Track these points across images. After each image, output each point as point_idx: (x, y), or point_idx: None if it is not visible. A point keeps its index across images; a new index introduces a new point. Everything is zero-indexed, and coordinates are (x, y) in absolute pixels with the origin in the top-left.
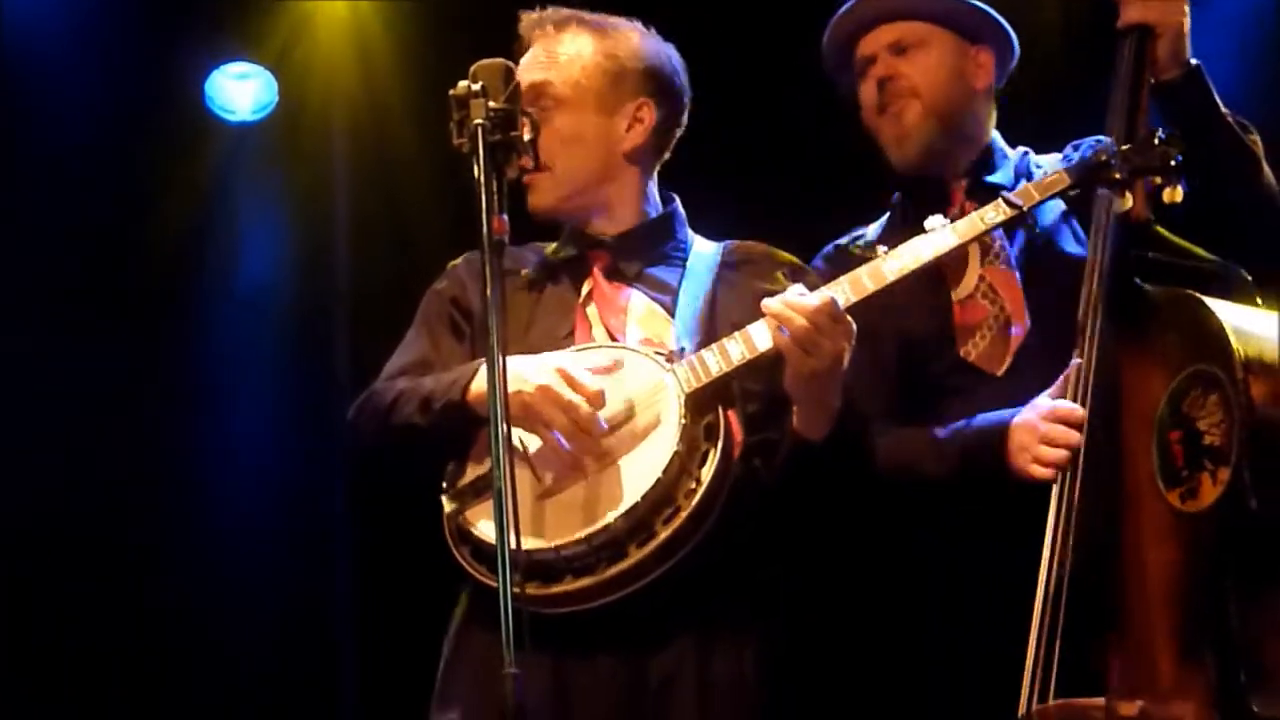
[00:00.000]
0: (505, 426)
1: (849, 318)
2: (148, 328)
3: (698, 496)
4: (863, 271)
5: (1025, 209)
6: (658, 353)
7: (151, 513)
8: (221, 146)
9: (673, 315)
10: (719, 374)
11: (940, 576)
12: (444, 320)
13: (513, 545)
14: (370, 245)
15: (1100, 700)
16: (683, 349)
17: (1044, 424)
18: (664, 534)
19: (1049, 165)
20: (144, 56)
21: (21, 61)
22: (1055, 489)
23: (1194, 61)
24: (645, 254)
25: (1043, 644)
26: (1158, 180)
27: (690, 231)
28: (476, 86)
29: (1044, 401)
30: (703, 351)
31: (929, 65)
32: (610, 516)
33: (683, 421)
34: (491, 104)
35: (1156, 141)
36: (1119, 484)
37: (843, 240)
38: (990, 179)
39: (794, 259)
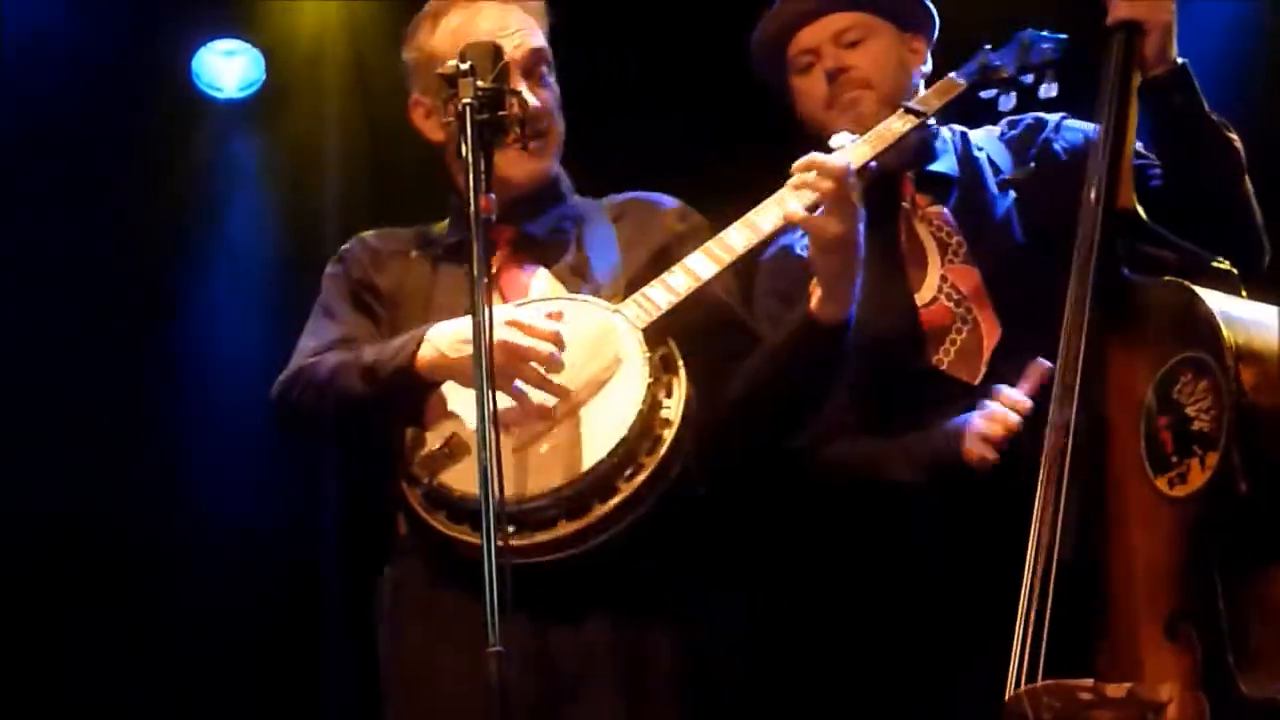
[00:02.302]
0: (491, 401)
1: (855, 181)
2: (133, 305)
3: (674, 425)
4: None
5: (929, 114)
6: (598, 298)
7: (140, 498)
8: (208, 124)
9: (580, 275)
10: (669, 307)
11: (913, 576)
12: (350, 300)
13: (474, 494)
14: (359, 223)
15: (1088, 681)
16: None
17: (989, 408)
18: (651, 464)
19: (988, 144)
20: (130, 33)
21: (6, 41)
22: (1041, 474)
23: (1181, 60)
24: (545, 219)
25: (1031, 626)
26: (1029, 79)
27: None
28: (465, 66)
29: (1001, 391)
30: (645, 289)
31: (878, 55)
32: (601, 452)
33: (646, 355)
34: (480, 83)
35: (1028, 41)
36: (1105, 469)
37: (787, 241)
38: (934, 168)
39: (671, 200)
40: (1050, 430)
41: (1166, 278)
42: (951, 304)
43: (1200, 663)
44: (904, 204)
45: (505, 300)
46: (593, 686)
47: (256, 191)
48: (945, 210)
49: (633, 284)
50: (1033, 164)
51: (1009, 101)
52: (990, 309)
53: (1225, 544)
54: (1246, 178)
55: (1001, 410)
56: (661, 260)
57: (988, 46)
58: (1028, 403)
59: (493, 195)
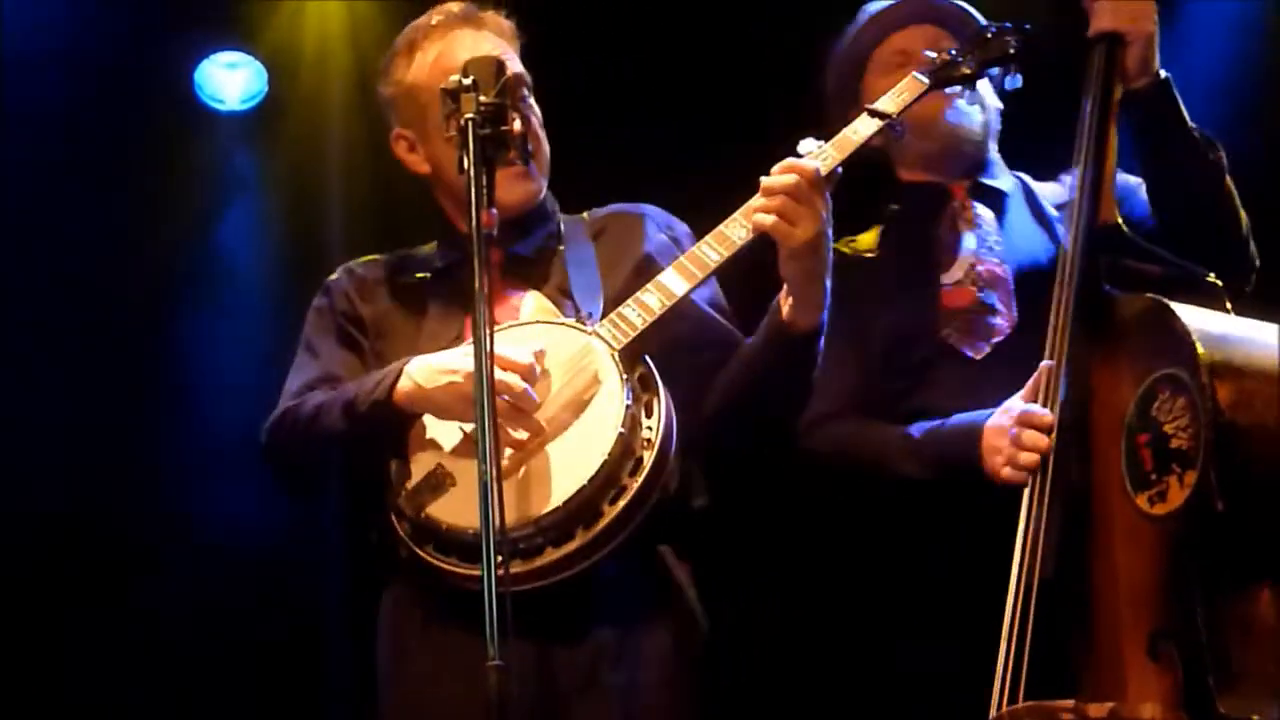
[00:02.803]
0: (491, 421)
1: (822, 186)
2: (135, 317)
3: (655, 444)
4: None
5: (893, 116)
6: (572, 320)
7: (140, 500)
8: (210, 136)
9: (566, 295)
10: (644, 326)
11: (909, 577)
12: (334, 334)
13: (476, 531)
14: (361, 235)
15: (1069, 702)
16: (590, 314)
17: (1015, 427)
18: (634, 486)
19: (1048, 193)
20: (133, 45)
21: (10, 51)
22: (1026, 492)
23: (1163, 73)
24: (531, 240)
25: (1013, 645)
26: (997, 71)
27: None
28: (468, 81)
29: (1015, 404)
30: (620, 309)
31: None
32: (583, 479)
33: (623, 377)
34: (482, 98)
35: (991, 35)
36: (1089, 487)
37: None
38: (988, 180)
39: (652, 210)
40: None
41: (1146, 293)
42: (975, 289)
43: (1181, 683)
44: (953, 204)
45: (493, 320)
46: (589, 703)
47: (258, 203)
48: (991, 214)
49: (613, 303)
50: None
51: (974, 97)
52: (1014, 303)
53: (1204, 563)
54: (1230, 190)
55: (1032, 436)
56: (643, 272)
57: (951, 47)
58: (1051, 417)
59: (494, 211)
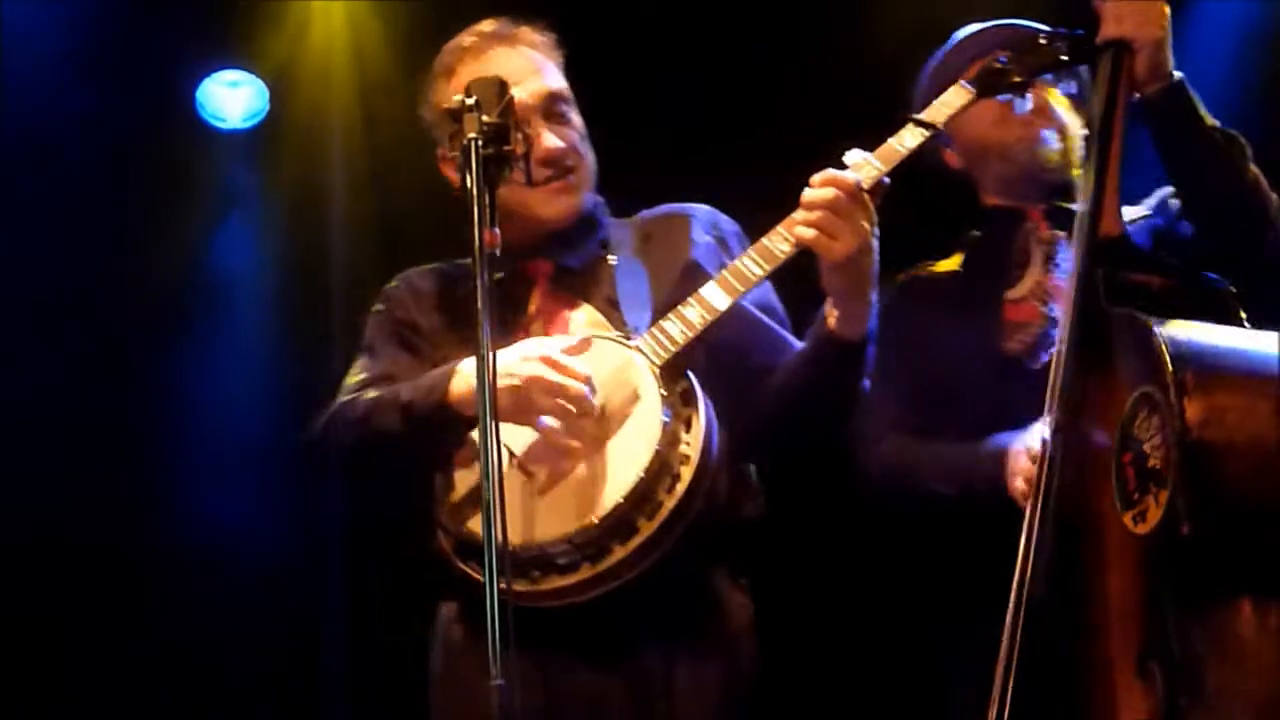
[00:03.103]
0: (495, 441)
1: (866, 199)
2: (139, 336)
3: (694, 460)
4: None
5: (939, 126)
6: (615, 334)
7: (144, 519)
8: (212, 154)
9: (615, 306)
10: (685, 341)
11: (937, 594)
12: (394, 339)
13: (501, 544)
14: (362, 253)
15: None
16: (635, 327)
17: (1026, 449)
18: (670, 503)
19: (1128, 212)
20: (135, 63)
21: (12, 70)
22: (1026, 513)
23: (1177, 75)
24: (579, 252)
25: (1008, 667)
26: (1048, 77)
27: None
28: (470, 100)
29: (1038, 425)
30: (661, 323)
31: (1057, 95)
32: (618, 495)
33: (663, 393)
34: (485, 118)
35: (1043, 40)
36: (1087, 507)
37: (903, 274)
38: (1066, 204)
39: (701, 209)
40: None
41: (1130, 310)
42: (1039, 304)
43: (1161, 703)
44: (1027, 225)
45: (545, 335)
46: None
47: (260, 221)
48: (1063, 234)
49: (660, 312)
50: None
51: (1024, 105)
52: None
53: (1175, 581)
54: (1255, 188)
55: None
56: (689, 279)
57: (1001, 53)
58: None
59: (497, 230)
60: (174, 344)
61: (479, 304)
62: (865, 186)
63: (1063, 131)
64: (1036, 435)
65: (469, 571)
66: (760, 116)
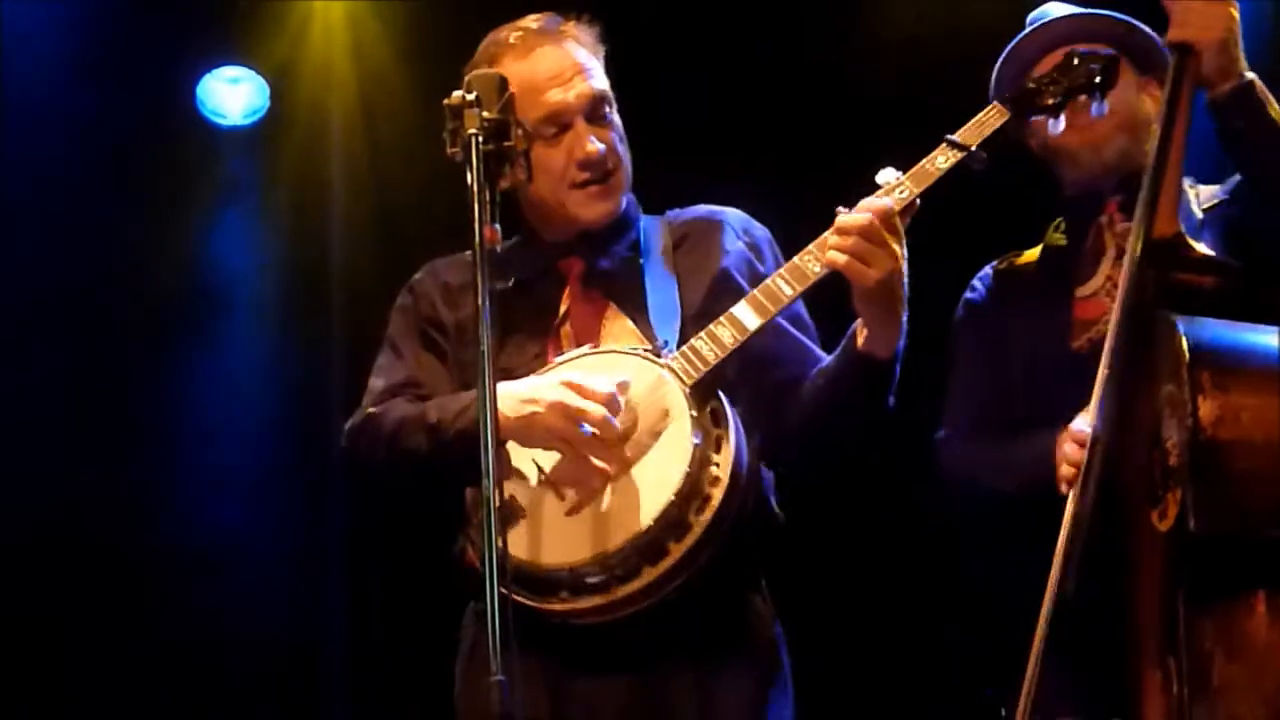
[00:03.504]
0: (493, 434)
1: (897, 224)
2: (138, 332)
3: (724, 482)
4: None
5: (972, 148)
6: (645, 350)
7: (144, 519)
8: (213, 151)
9: (644, 311)
10: (715, 361)
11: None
12: (418, 338)
13: (542, 562)
14: (362, 249)
15: None
16: (665, 342)
17: (1065, 442)
18: (699, 525)
19: (1206, 193)
20: (135, 59)
21: (12, 68)
22: (1068, 509)
23: (1247, 76)
24: (611, 253)
25: (1035, 663)
26: (1083, 98)
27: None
28: (471, 96)
29: (1078, 419)
30: (693, 341)
31: (1122, 86)
32: (648, 518)
33: (693, 413)
34: (485, 114)
35: (1076, 61)
36: (1127, 505)
37: (998, 263)
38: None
39: (733, 215)
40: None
41: (1166, 311)
42: (1109, 300)
43: (1174, 697)
44: (1101, 219)
45: (575, 338)
46: None
47: (260, 217)
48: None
49: (690, 322)
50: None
51: (1057, 125)
52: None
53: (1185, 580)
54: None
55: (1071, 449)
56: (720, 287)
57: (1034, 71)
58: (1088, 432)
59: (498, 226)
60: (174, 342)
61: (478, 300)
62: (897, 209)
63: (1130, 124)
64: (1081, 422)
65: None
66: (767, 113)
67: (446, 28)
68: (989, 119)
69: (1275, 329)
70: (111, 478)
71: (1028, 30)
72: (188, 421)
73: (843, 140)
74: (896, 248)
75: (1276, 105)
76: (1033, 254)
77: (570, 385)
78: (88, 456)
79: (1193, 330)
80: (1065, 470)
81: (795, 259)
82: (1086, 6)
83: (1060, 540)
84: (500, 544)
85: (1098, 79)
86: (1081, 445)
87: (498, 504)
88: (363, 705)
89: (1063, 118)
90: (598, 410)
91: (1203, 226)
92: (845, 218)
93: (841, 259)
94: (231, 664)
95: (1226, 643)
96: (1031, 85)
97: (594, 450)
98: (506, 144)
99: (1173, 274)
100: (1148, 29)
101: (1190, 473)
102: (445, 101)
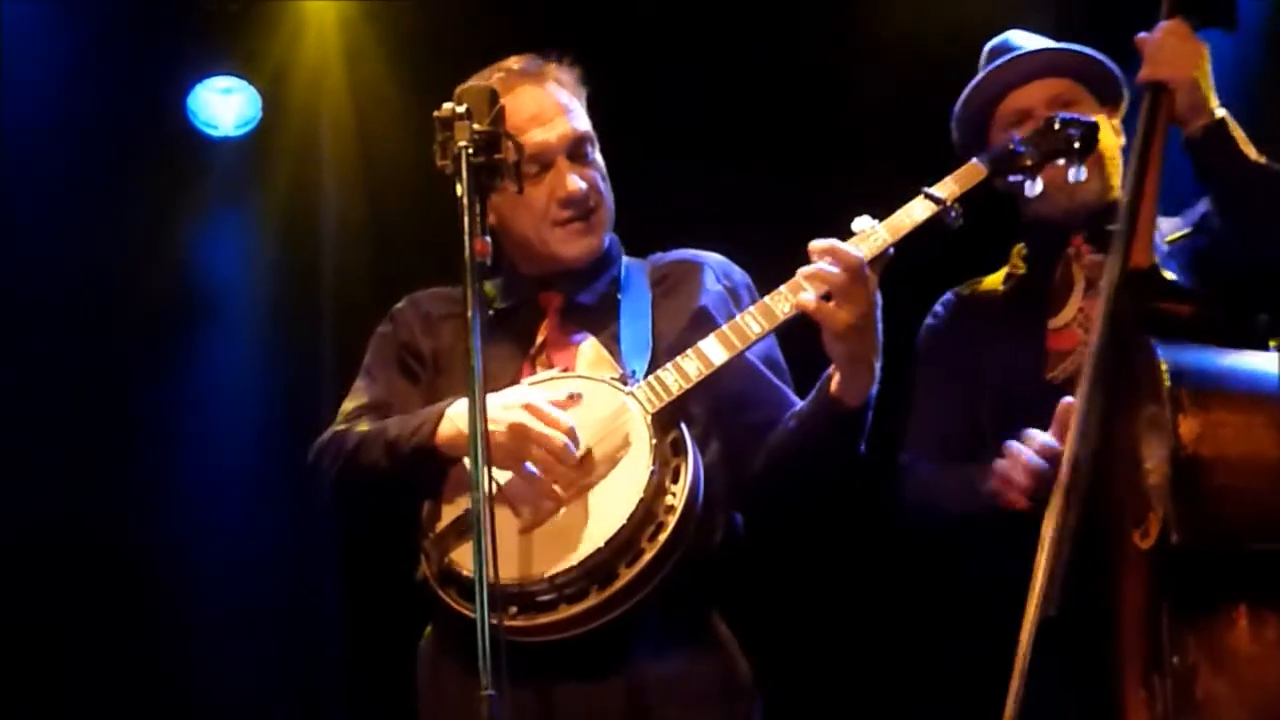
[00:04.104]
0: (485, 449)
1: (870, 273)
2: (130, 343)
3: (678, 510)
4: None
5: (948, 202)
6: (612, 378)
7: (144, 519)
8: (204, 161)
9: (617, 341)
10: (679, 392)
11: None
12: (395, 363)
13: (492, 578)
14: (354, 260)
15: None
16: (633, 371)
17: (1001, 462)
18: (651, 551)
19: (1167, 226)
20: (127, 70)
21: (6, 75)
22: (1045, 528)
23: (1218, 113)
24: (592, 288)
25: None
26: (1061, 162)
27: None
28: (461, 109)
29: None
30: (659, 372)
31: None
32: (599, 541)
33: (653, 441)
34: (476, 126)
35: (1057, 126)
36: (1109, 526)
37: (960, 288)
38: (1108, 227)
39: (713, 258)
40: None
41: (1143, 333)
42: (1081, 331)
43: (1160, 714)
44: (1069, 250)
45: (551, 366)
46: None
47: (252, 228)
48: (1103, 257)
49: (664, 355)
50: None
51: (1034, 187)
52: None
53: (1169, 595)
54: None
55: (1017, 449)
56: (698, 325)
57: (1015, 133)
58: (1055, 446)
59: (488, 238)
60: (169, 347)
61: (469, 313)
62: (868, 259)
63: (1098, 161)
64: (1016, 448)
65: (447, 599)
66: (763, 114)
67: (439, 38)
68: (967, 176)
69: (1252, 352)
70: (110, 477)
71: (996, 64)
72: (184, 425)
73: (842, 140)
74: (866, 293)
75: (1247, 140)
76: (995, 279)
77: (530, 409)
78: (86, 455)
79: (1172, 353)
80: (1009, 480)
81: (766, 298)
82: (1049, 36)
83: (1040, 561)
84: (489, 565)
85: (1077, 145)
86: (1041, 454)
87: (487, 519)
88: (360, 706)
89: (1039, 180)
90: (558, 437)
91: (1169, 258)
92: (814, 266)
93: (812, 302)
94: (230, 664)
95: (1210, 656)
96: (1010, 147)
97: (549, 473)
98: (497, 156)
99: (1151, 302)
100: (1107, 60)
101: (1172, 488)
102: (435, 114)
